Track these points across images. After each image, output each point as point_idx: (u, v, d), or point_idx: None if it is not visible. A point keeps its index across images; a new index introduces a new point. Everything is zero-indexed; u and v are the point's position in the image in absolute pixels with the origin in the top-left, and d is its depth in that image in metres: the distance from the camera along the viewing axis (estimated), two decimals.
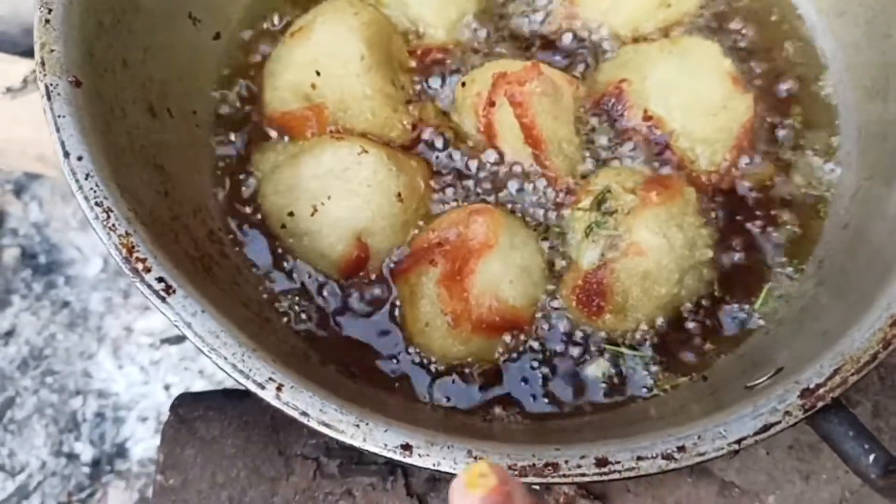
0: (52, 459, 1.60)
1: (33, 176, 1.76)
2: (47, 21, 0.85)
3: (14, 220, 1.76)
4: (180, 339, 1.66)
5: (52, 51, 0.84)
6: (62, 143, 0.79)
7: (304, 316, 0.99)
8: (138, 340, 1.68)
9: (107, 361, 1.67)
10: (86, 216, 0.77)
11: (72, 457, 1.60)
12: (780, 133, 1.09)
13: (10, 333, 1.68)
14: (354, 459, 0.96)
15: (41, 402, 1.63)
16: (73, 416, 1.63)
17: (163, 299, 0.74)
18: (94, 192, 0.77)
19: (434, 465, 0.71)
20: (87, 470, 1.60)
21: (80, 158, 0.78)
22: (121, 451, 1.61)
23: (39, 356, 1.67)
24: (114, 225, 0.76)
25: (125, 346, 1.68)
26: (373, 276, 1.00)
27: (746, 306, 1.00)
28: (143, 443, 1.62)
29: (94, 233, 1.72)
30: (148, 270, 0.75)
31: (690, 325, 0.99)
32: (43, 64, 0.83)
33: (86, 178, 0.78)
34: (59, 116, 0.80)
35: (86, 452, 1.61)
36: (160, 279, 0.75)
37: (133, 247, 0.75)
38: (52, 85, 0.82)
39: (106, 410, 1.64)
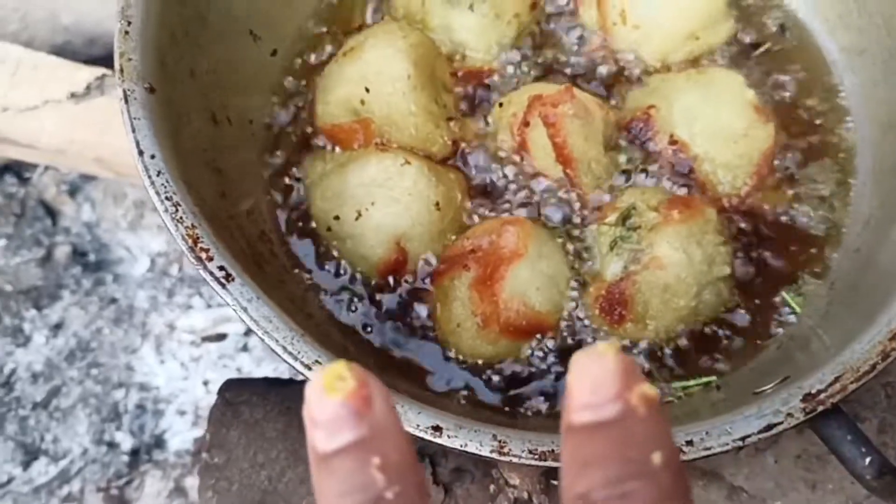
0: (93, 447, 1.65)
1: (88, 177, 1.84)
2: (126, 32, 0.94)
3: (67, 220, 1.84)
4: (220, 337, 1.73)
5: (130, 59, 0.92)
6: (137, 143, 0.87)
7: (343, 313, 1.06)
8: (180, 337, 1.75)
9: (149, 356, 1.73)
10: (157, 209, 0.85)
11: (112, 445, 1.66)
12: (799, 162, 1.15)
13: (59, 326, 1.74)
14: None
15: (86, 392, 1.69)
16: (115, 406, 1.69)
17: (223, 285, 0.82)
18: (165, 187, 0.85)
19: (461, 445, 0.77)
20: (126, 458, 1.65)
21: (153, 157, 0.87)
22: (159, 442, 1.67)
23: (86, 349, 1.73)
24: (181, 217, 0.84)
25: (167, 343, 1.74)
26: (409, 279, 1.07)
27: (761, 322, 1.06)
28: (181, 435, 1.68)
29: (142, 234, 1.80)
30: (210, 259, 0.83)
31: (707, 337, 1.05)
32: (122, 71, 0.91)
33: (157, 175, 0.86)
34: (135, 119, 0.88)
35: (126, 442, 1.66)
36: (221, 267, 0.82)
37: (198, 238, 0.83)
38: (129, 90, 0.90)
39: (147, 403, 1.70)
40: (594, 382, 0.43)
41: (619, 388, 0.43)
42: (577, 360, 0.44)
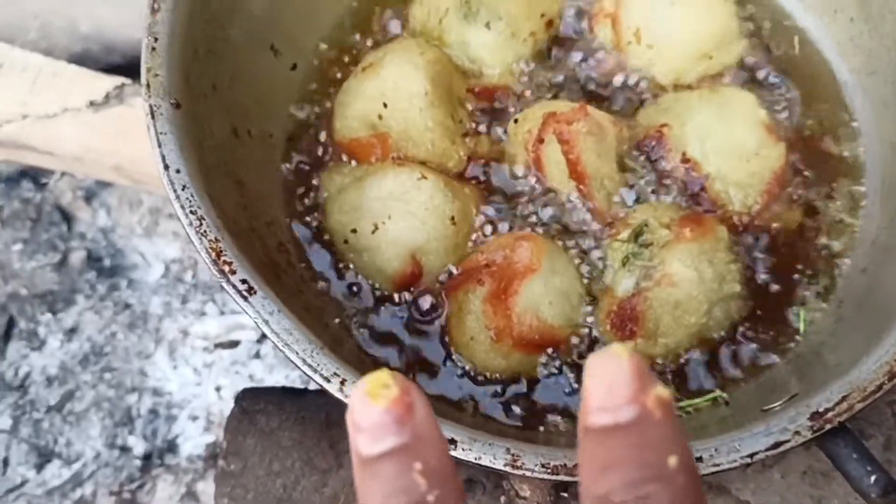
0: (106, 451, 1.67)
1: (104, 184, 1.85)
2: (153, 48, 0.96)
3: (83, 225, 1.85)
4: (233, 344, 1.75)
5: (157, 75, 0.94)
6: (163, 157, 0.89)
7: (358, 324, 1.08)
8: (193, 343, 1.76)
9: (162, 362, 1.75)
10: (181, 222, 0.87)
11: (125, 449, 1.67)
12: (809, 181, 1.16)
13: (73, 330, 1.76)
14: None
15: (99, 396, 1.71)
16: (128, 411, 1.70)
17: (245, 298, 0.84)
18: (190, 201, 0.87)
19: (476, 458, 0.79)
20: (138, 463, 1.67)
21: (178, 171, 0.89)
22: (171, 447, 1.68)
23: (100, 353, 1.75)
24: (205, 231, 0.86)
25: (180, 349, 1.76)
26: (424, 292, 1.09)
27: (770, 339, 1.07)
28: (193, 440, 1.69)
29: (157, 240, 1.82)
30: (233, 272, 0.84)
31: (716, 354, 1.06)
32: (148, 86, 0.93)
33: (182, 189, 0.88)
34: (161, 133, 0.91)
35: (138, 446, 1.68)
36: (244, 281, 0.84)
37: (221, 251, 0.85)
38: (156, 106, 0.92)
39: (159, 408, 1.71)
40: (610, 385, 0.44)
41: (635, 390, 0.44)
42: (593, 362, 0.46)
